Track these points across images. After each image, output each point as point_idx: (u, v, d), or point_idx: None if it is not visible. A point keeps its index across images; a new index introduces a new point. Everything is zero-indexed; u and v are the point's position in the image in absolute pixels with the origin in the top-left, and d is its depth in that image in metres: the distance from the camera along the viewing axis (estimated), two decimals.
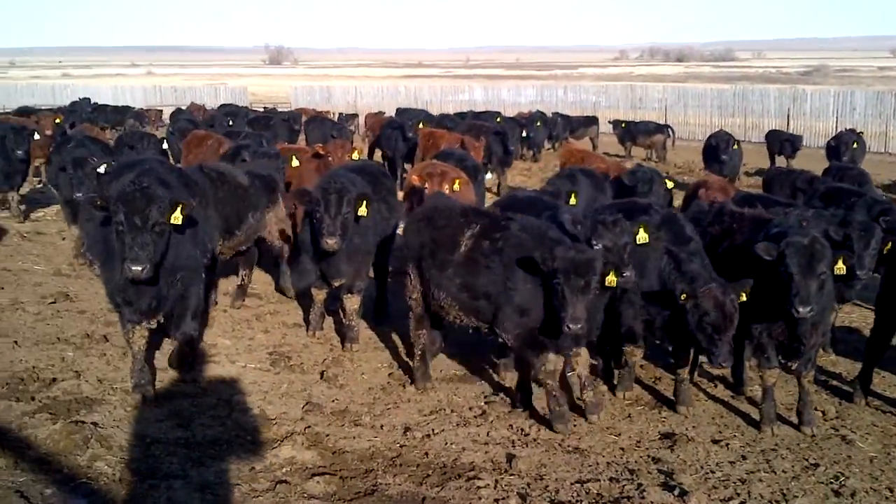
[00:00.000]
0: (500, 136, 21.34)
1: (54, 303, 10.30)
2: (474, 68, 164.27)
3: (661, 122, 35.13)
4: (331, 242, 8.39)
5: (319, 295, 9.67)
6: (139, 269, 6.47)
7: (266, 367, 8.56)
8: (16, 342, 8.71)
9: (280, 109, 38.19)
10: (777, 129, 30.12)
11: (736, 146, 21.22)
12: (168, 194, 6.99)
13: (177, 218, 6.85)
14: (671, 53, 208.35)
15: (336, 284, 9.34)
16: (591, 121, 34.78)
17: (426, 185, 10.59)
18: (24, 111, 28.18)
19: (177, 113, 32.63)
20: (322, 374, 8.50)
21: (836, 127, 35.02)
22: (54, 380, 7.70)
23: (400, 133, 22.02)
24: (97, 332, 9.22)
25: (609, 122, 34.29)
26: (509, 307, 7.24)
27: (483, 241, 7.49)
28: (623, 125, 32.44)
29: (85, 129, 17.21)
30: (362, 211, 8.74)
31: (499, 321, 7.37)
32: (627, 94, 45.69)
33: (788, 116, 37.70)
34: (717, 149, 21.13)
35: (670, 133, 31.15)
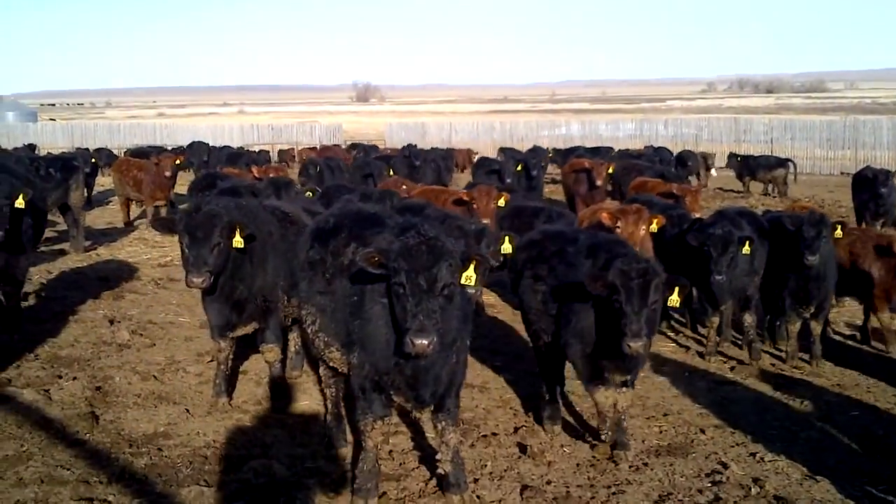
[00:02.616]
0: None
1: (212, 361, 9.62)
2: (560, 102, 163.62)
3: (768, 154, 33.95)
4: (636, 345, 6.32)
5: (609, 399, 7.28)
6: (426, 342, 5.14)
7: (458, 439, 7.69)
8: (187, 410, 8.05)
9: (367, 145, 37.15)
10: None
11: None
12: (458, 248, 5.76)
13: (469, 278, 5.69)
14: (760, 85, 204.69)
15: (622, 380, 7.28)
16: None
17: (618, 225, 9.66)
18: (140, 152, 28.20)
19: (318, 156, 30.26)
20: (522, 447, 7.57)
21: None
22: (240, 457, 6.96)
23: (524, 171, 21.25)
24: (268, 398, 8.52)
25: (728, 155, 33.08)
26: None
27: None
28: (738, 159, 31.24)
29: (227, 173, 16.87)
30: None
31: None
32: (731, 126, 44.57)
33: None
34: (875, 182, 18.34)
35: (792, 167, 29.78)
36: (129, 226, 20.87)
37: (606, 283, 6.48)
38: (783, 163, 29.93)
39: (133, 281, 14.00)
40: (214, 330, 8.14)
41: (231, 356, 8.47)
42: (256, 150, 35.65)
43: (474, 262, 5.65)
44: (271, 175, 16.83)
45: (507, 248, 8.18)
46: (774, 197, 28.75)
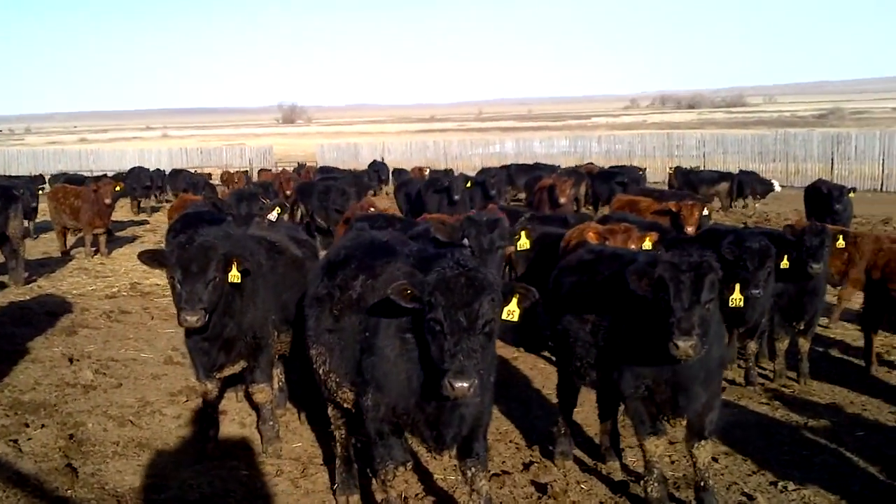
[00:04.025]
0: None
1: (188, 401, 8.99)
2: (487, 121, 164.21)
3: (700, 168, 34.38)
4: (685, 345, 5.51)
5: (660, 448, 6.52)
6: (466, 384, 4.60)
7: (489, 486, 7.16)
8: (174, 459, 7.36)
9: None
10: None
11: (851, 194, 18.62)
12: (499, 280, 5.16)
13: (512, 313, 5.17)
14: (682, 101, 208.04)
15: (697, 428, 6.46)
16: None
17: (607, 243, 9.23)
18: (74, 179, 27.10)
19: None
20: (539, 486, 7.07)
21: (883, 170, 35.40)
22: None
23: (480, 191, 20.84)
24: (258, 441, 7.88)
25: (669, 169, 33.26)
26: None
27: None
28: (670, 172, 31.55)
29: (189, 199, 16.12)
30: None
31: None
32: (664, 141, 45.30)
33: (832, 161, 37.18)
34: (830, 197, 18.26)
35: (737, 181, 29.78)
36: (67, 255, 19.94)
37: (652, 279, 5.75)
38: (726, 176, 30.07)
39: (83, 314, 13.20)
40: (200, 370, 7.40)
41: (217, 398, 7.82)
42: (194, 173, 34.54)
43: (517, 296, 5.16)
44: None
45: (523, 243, 7.66)
46: (718, 211, 28.79)
